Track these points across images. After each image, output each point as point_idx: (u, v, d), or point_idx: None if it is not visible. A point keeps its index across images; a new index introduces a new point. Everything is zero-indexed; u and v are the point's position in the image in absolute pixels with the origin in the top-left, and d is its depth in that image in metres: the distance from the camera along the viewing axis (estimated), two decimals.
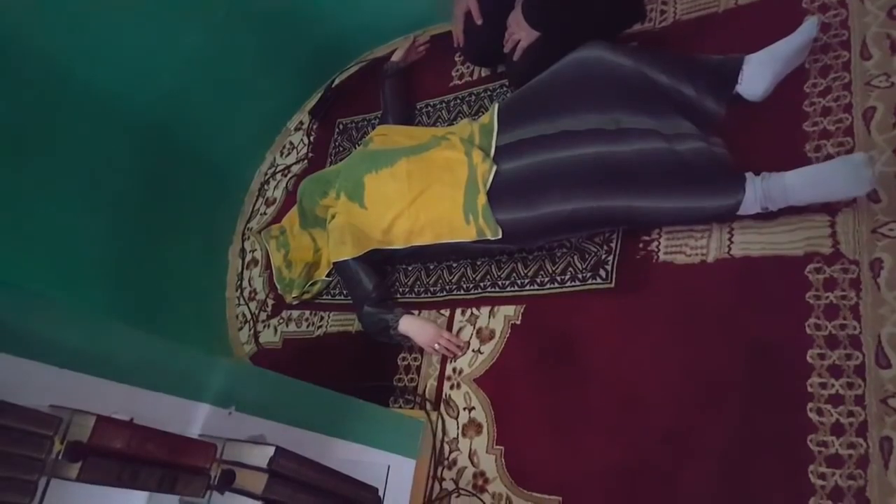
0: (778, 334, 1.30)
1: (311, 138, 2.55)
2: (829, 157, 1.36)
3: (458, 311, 1.79)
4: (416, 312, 1.82)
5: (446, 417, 1.66)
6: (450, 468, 1.59)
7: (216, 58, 2.21)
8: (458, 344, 1.72)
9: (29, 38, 1.68)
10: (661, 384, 1.40)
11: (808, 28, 1.42)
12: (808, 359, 1.25)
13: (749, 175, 1.35)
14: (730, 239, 1.43)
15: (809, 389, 1.23)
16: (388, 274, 1.97)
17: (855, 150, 1.34)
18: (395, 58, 2.25)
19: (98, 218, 1.95)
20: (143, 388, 1.01)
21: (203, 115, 2.28)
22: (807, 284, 1.31)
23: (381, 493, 1.35)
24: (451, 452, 1.61)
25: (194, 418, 1.07)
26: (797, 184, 1.30)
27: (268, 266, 2.32)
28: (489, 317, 1.72)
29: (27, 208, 1.73)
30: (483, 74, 2.15)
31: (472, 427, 1.61)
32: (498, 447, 1.55)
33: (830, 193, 1.29)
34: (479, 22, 1.93)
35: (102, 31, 1.84)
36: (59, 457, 0.80)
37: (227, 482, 0.98)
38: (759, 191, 1.33)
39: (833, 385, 1.21)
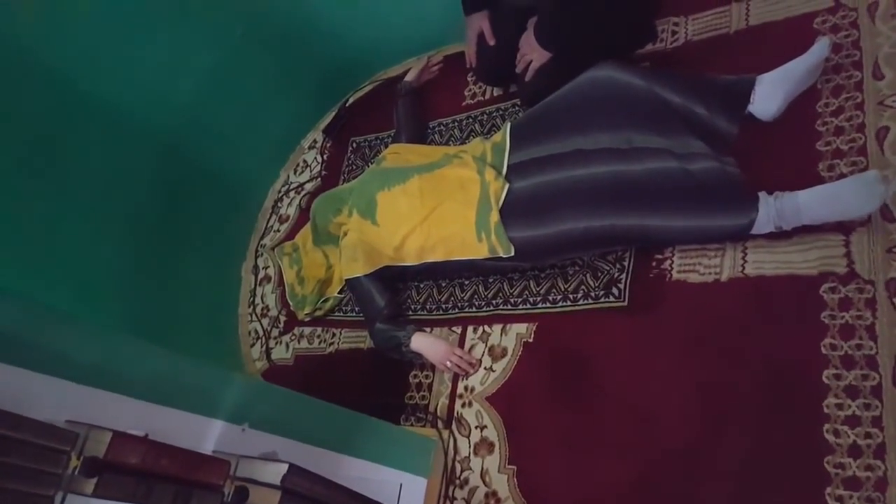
0: (793, 354, 1.29)
1: (325, 156, 2.57)
2: (842, 176, 1.36)
3: (470, 328, 1.79)
4: (428, 329, 1.82)
5: (458, 436, 1.65)
6: (461, 487, 1.58)
7: (232, 77, 2.25)
8: (470, 361, 1.71)
9: (46, 58, 1.71)
10: (674, 404, 1.39)
11: (820, 48, 1.43)
12: (824, 379, 1.24)
13: (762, 194, 1.35)
14: (743, 258, 1.42)
15: (826, 410, 1.22)
16: (399, 291, 1.97)
17: (868, 169, 1.34)
18: (408, 77, 2.28)
19: (112, 234, 1.97)
20: (158, 404, 1.01)
21: (218, 132, 2.31)
22: (822, 304, 1.30)
23: None
24: (462, 471, 1.60)
25: (208, 435, 1.07)
26: (811, 203, 1.30)
27: (280, 283, 2.34)
28: (501, 334, 1.72)
29: (43, 225, 1.75)
30: (495, 94, 2.17)
31: (484, 446, 1.60)
32: (510, 467, 1.54)
33: (844, 212, 1.28)
34: (491, 43, 1.96)
35: (119, 51, 1.87)
36: (76, 472, 0.81)
37: (240, 499, 0.98)
38: (772, 210, 1.33)
39: (850, 406, 1.20)
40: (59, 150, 1.78)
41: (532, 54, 1.77)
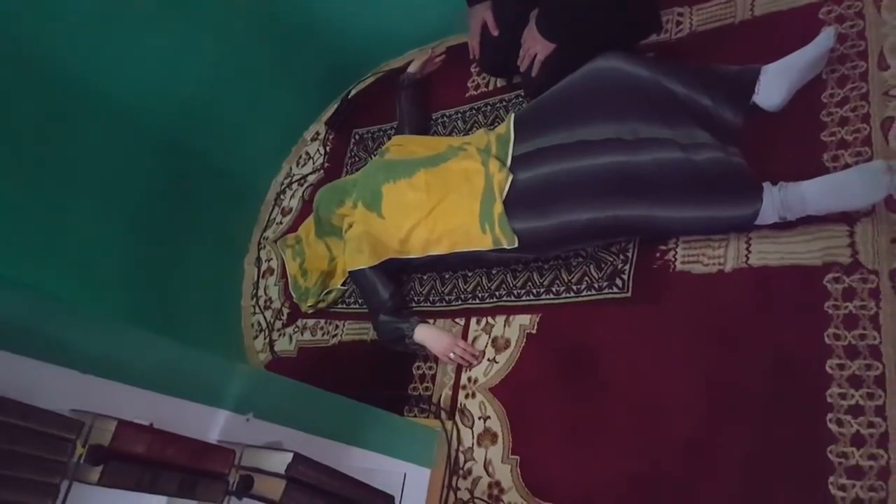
0: (797, 344, 1.29)
1: (328, 148, 2.57)
2: (846, 166, 1.36)
3: (474, 320, 1.79)
4: (432, 321, 1.82)
5: (461, 427, 1.66)
6: (465, 478, 1.59)
7: (234, 70, 2.25)
8: (474, 353, 1.71)
9: (48, 53, 1.71)
10: (678, 394, 1.39)
11: (825, 38, 1.42)
12: (828, 369, 1.24)
13: (767, 185, 1.35)
14: (747, 248, 1.42)
15: (829, 400, 1.22)
16: (403, 283, 1.98)
17: (873, 160, 1.33)
18: (411, 69, 2.27)
19: (116, 226, 1.97)
20: (163, 394, 1.01)
21: (220, 125, 2.31)
22: (825, 294, 1.30)
23: (397, 502, 1.35)
24: (466, 462, 1.61)
25: (212, 424, 1.08)
26: (815, 193, 1.29)
27: (283, 275, 2.34)
28: (504, 326, 1.72)
29: (48, 217, 1.75)
30: (499, 85, 2.16)
31: (488, 436, 1.60)
32: (513, 457, 1.54)
33: (848, 202, 1.28)
34: (495, 33, 1.95)
35: (122, 45, 1.88)
36: (81, 460, 0.81)
37: (245, 488, 0.99)
38: (776, 200, 1.32)
39: (853, 395, 1.20)
40: (61, 144, 1.79)
41: (536, 46, 1.75)
